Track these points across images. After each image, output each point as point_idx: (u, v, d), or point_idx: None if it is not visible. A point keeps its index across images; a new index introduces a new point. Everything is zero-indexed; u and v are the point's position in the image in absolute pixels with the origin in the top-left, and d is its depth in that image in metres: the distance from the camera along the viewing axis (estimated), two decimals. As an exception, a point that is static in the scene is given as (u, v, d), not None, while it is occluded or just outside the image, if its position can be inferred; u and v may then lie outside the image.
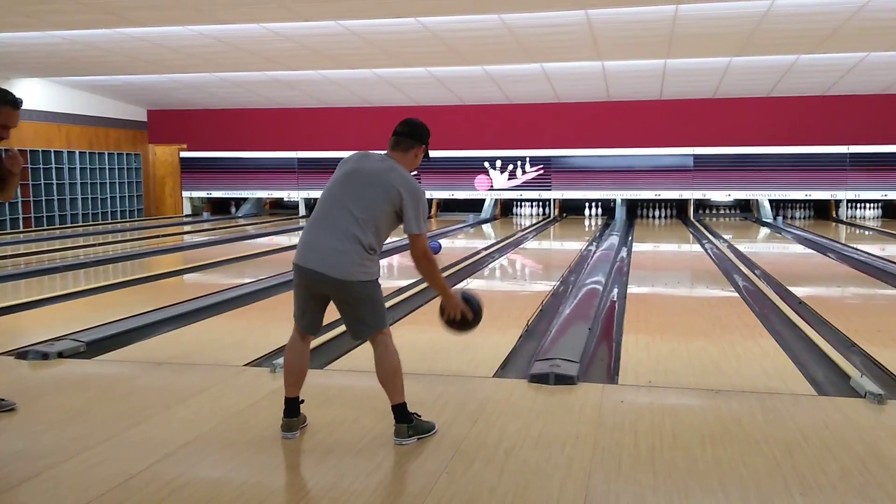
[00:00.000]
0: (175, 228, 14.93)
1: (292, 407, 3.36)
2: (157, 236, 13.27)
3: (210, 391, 4.03)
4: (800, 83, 14.60)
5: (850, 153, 15.45)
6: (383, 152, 3.39)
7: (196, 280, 8.39)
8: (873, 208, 16.02)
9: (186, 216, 18.11)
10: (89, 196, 16.20)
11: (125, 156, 17.45)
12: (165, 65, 13.61)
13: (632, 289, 7.28)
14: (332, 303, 3.32)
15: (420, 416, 3.36)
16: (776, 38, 11.12)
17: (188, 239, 13.05)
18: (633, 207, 16.87)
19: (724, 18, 10.12)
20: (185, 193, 18.47)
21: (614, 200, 16.59)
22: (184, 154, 18.44)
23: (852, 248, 10.54)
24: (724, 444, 3.19)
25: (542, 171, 16.79)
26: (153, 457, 3.11)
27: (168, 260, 10.28)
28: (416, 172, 3.55)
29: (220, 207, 18.85)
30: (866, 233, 13.42)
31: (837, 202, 15.91)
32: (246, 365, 4.53)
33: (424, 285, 7.20)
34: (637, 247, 11.20)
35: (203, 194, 18.50)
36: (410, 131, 3.36)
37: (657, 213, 16.84)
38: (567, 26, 10.54)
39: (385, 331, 3.32)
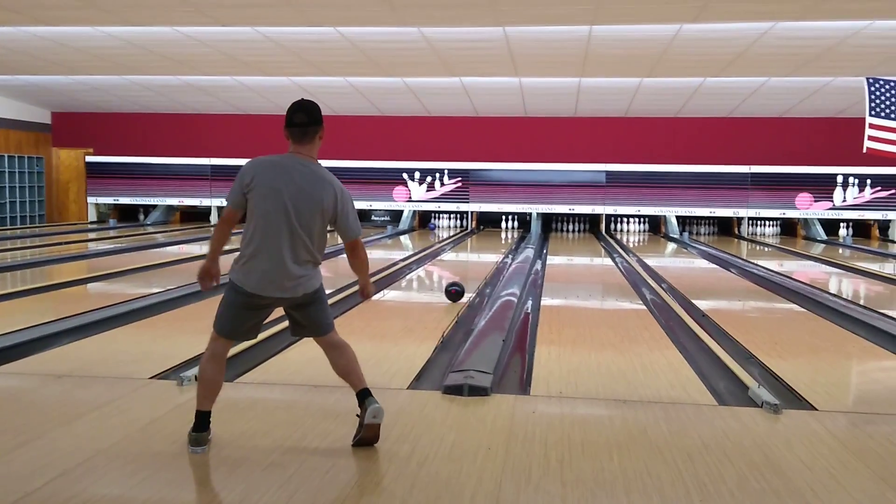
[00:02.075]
0: (79, 236, 14.34)
1: (203, 421, 3.27)
2: (60, 243, 12.71)
3: (113, 405, 3.88)
4: (705, 105, 15.24)
5: (752, 173, 16.21)
6: (292, 154, 3.31)
7: (100, 289, 8.08)
8: (772, 226, 16.84)
9: (91, 223, 17.43)
10: (-14, 200, 15.40)
11: (26, 159, 16.68)
12: (71, 66, 13.10)
13: (545, 301, 7.42)
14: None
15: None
16: (683, 61, 11.59)
17: (93, 247, 12.56)
18: (549, 221, 17.20)
19: (636, 41, 10.49)
20: (91, 199, 17.78)
21: (530, 214, 16.89)
22: (90, 158, 17.76)
23: (753, 263, 11.03)
24: (629, 454, 3.29)
25: (460, 184, 16.94)
26: (51, 473, 2.97)
27: (71, 268, 9.86)
28: None
29: (128, 214, 18.22)
30: (766, 249, 14.08)
31: (739, 219, 16.65)
32: (151, 378, 4.39)
33: (339, 296, 7.15)
34: (551, 260, 11.43)
35: (110, 200, 17.85)
36: (311, 119, 3.29)
37: (571, 226, 17.23)
38: (485, 42, 10.70)
39: (334, 328, 3.49)
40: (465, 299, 7.16)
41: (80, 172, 18.11)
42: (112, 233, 15.36)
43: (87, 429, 3.53)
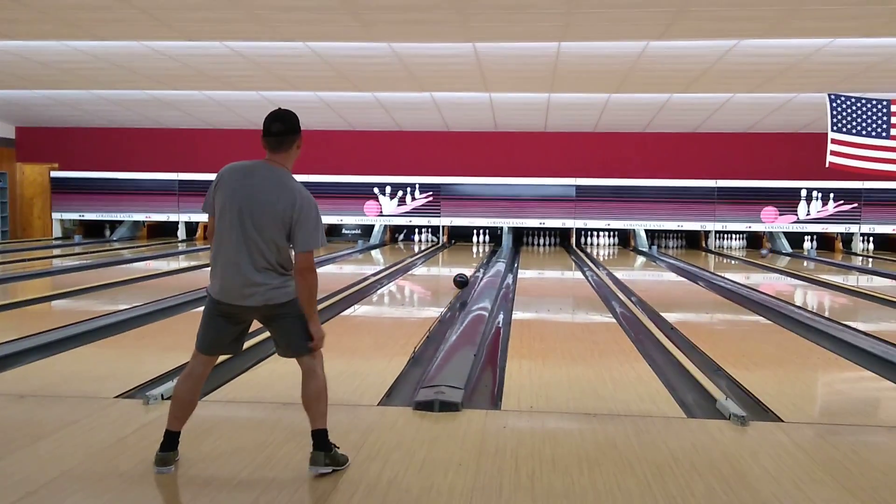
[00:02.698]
0: (43, 252, 14.09)
1: (171, 440, 3.22)
2: (24, 260, 12.48)
3: (78, 425, 3.81)
4: (673, 120, 15.46)
5: (719, 187, 16.45)
6: (264, 160, 3.26)
7: (65, 307, 7.94)
8: (739, 239, 17.08)
9: (56, 239, 17.15)
10: (-53, 216, 15.10)
11: (-11, 174, 16.40)
12: (36, 80, 12.93)
13: (517, 315, 7.44)
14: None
15: (338, 448, 3.30)
16: (651, 77, 11.75)
17: (57, 263, 12.35)
18: (520, 235, 17.29)
19: (604, 58, 10.62)
20: (56, 215, 17.51)
21: (501, 228, 16.96)
22: (55, 174, 17.49)
23: (720, 276, 11.17)
24: (600, 467, 3.30)
25: (431, 198, 16.97)
26: (13, 495, 2.91)
27: (35, 285, 9.68)
28: None
29: (94, 230, 17.96)
30: (732, 262, 14.27)
31: (707, 233, 16.87)
32: (117, 397, 4.31)
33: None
34: (522, 273, 11.46)
35: (75, 216, 17.59)
36: (287, 128, 3.25)
37: (542, 240, 17.33)
38: (456, 58, 10.77)
39: (314, 352, 3.29)
40: (436, 314, 7.15)
41: (44, 188, 17.84)
42: (77, 249, 15.11)
43: (51, 449, 3.46)
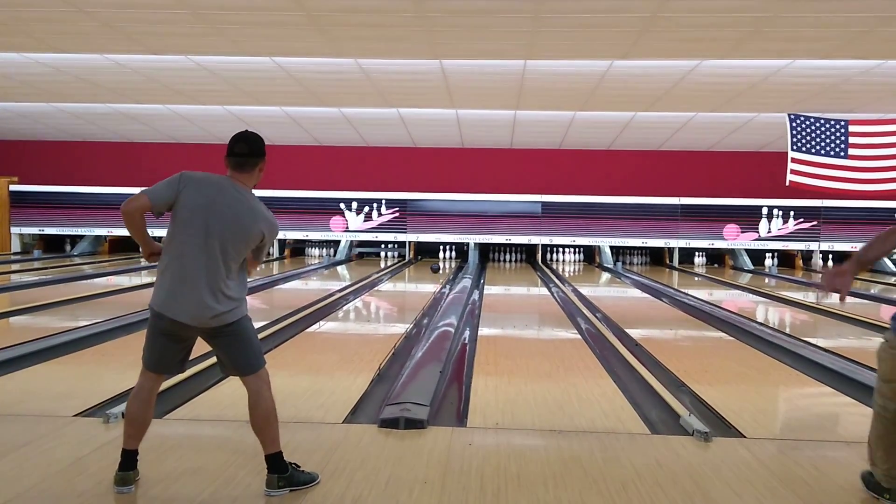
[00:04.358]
0: (1, 267, 13.79)
1: (129, 460, 3.16)
2: (-20, 275, 12.21)
3: (34, 444, 3.72)
4: (637, 138, 15.67)
5: (682, 204, 16.69)
6: (229, 178, 3.23)
7: (23, 323, 7.77)
8: (701, 256, 17.32)
9: (14, 254, 16.80)
10: None
11: (-55, 187, 16.02)
12: (-4, 91, 12.70)
13: (483, 331, 7.45)
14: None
15: (299, 466, 3.26)
16: (615, 96, 11.91)
17: (16, 278, 12.09)
18: (486, 251, 17.34)
19: (569, 76, 10.74)
20: (14, 230, 17.16)
21: (468, 244, 17.00)
22: (14, 187, 17.15)
23: (683, 293, 11.31)
24: (565, 484, 3.30)
25: (397, 214, 16.96)
26: (-37, 520, 2.82)
27: (-9, 301, 9.46)
28: None
29: (54, 245, 17.63)
30: (695, 279, 14.46)
31: (671, 250, 17.08)
32: (76, 415, 4.22)
33: (274, 328, 7.04)
34: (489, 289, 11.49)
35: (35, 230, 17.25)
36: (252, 150, 3.25)
37: (508, 256, 17.40)
38: (422, 74, 10.81)
39: (259, 373, 3.22)
40: (402, 330, 7.13)
41: (3, 201, 17.46)
42: (37, 264, 14.81)
43: (6, 470, 3.37)
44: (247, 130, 3.31)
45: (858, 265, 3.20)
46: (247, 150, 3.23)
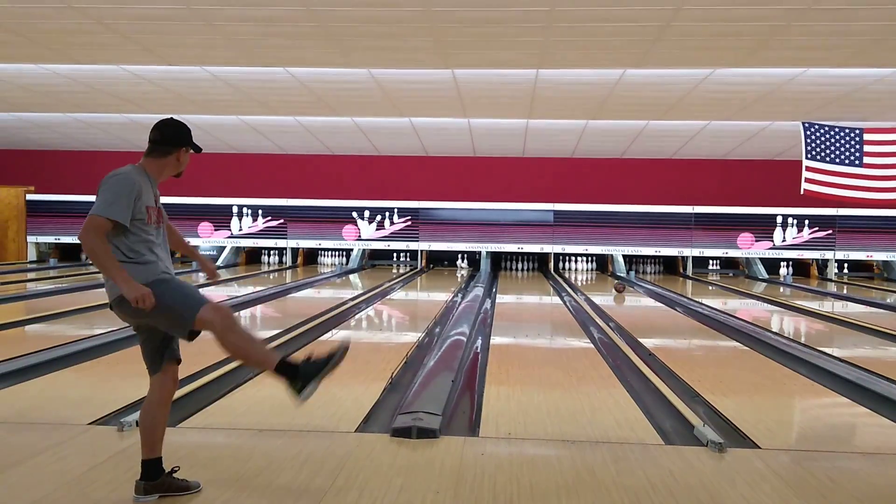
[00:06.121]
0: (18, 276, 13.91)
1: (147, 469, 3.16)
2: (-3, 283, 12.32)
3: (49, 452, 3.74)
4: (650, 147, 15.64)
5: (696, 213, 16.64)
6: (142, 168, 3.31)
7: (39, 331, 7.83)
8: (715, 265, 17.24)
9: (31, 262, 16.94)
10: (-81, 238, 14.86)
11: (-37, 196, 16.20)
12: (13, 103, 12.84)
13: (495, 340, 7.43)
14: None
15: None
16: (627, 104, 11.90)
17: (32, 287, 12.19)
18: (498, 260, 17.33)
19: (581, 84, 10.75)
20: (31, 238, 17.32)
21: (480, 252, 17.01)
22: (31, 196, 17.33)
23: (697, 302, 11.25)
24: (577, 495, 3.29)
25: (409, 223, 17.00)
26: (-21, 528, 2.84)
27: (8, 309, 9.54)
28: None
29: (70, 254, 17.77)
30: (709, 288, 14.39)
31: (684, 258, 17.02)
32: (91, 423, 4.25)
33: (287, 337, 7.06)
34: (500, 298, 11.47)
35: (51, 239, 17.41)
36: (163, 138, 3.29)
37: (520, 265, 17.39)
38: (434, 83, 10.85)
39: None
40: (414, 338, 7.14)
41: (19, 210, 17.65)
42: (53, 273, 14.94)
43: (22, 478, 3.39)
44: (170, 118, 3.37)
45: None
46: (157, 136, 3.30)
